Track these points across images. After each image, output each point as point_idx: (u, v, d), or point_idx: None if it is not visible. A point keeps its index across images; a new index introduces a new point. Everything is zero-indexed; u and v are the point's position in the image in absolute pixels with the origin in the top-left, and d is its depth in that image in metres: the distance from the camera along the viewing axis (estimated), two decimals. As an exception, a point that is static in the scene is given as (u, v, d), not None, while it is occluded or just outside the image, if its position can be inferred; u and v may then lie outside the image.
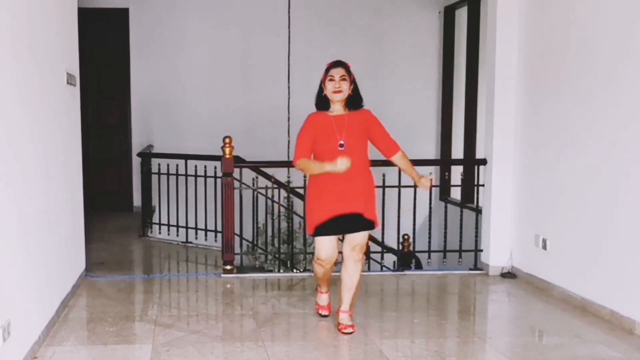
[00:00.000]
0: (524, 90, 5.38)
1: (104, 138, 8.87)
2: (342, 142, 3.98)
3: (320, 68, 4.18)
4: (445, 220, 6.02)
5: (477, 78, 7.78)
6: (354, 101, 4.07)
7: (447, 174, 6.77)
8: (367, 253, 5.82)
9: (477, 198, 5.96)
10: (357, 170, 3.98)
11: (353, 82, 4.06)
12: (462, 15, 8.42)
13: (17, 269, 3.44)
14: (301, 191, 5.94)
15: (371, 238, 6.54)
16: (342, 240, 4.18)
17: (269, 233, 6.79)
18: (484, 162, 5.72)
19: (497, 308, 5.07)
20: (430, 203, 6.05)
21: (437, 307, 5.03)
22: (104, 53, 8.65)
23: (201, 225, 7.17)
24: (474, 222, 5.98)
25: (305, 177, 5.82)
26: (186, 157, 7.01)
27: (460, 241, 5.98)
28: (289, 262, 6.57)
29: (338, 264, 4.26)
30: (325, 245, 4.09)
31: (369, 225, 4.10)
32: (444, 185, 7.40)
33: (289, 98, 7.85)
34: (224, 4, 8.63)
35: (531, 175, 5.33)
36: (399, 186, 5.77)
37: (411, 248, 6.65)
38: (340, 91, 4.00)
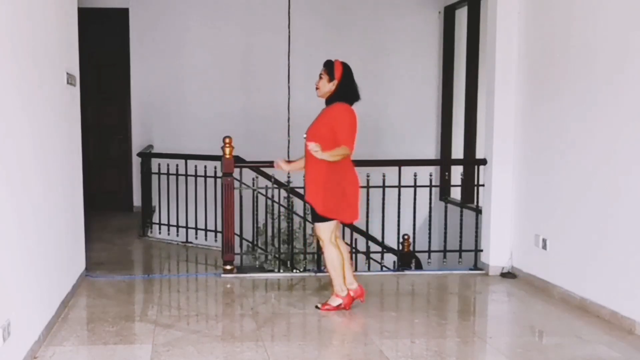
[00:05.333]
0: (524, 90, 5.38)
1: (103, 138, 8.87)
2: (305, 133, 4.39)
3: (320, 68, 4.19)
4: (445, 220, 6.02)
5: (477, 78, 7.77)
6: (329, 98, 4.35)
7: (447, 174, 6.76)
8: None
9: (477, 198, 5.95)
10: (308, 161, 4.40)
11: (340, 79, 4.28)
12: (462, 15, 8.42)
13: (17, 269, 3.44)
14: (301, 191, 5.93)
15: (371, 238, 6.57)
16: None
17: (269, 233, 6.79)
18: (484, 162, 5.72)
19: (497, 308, 5.07)
20: (430, 203, 6.05)
21: (437, 307, 5.03)
22: (103, 53, 8.64)
23: (201, 225, 7.16)
24: (474, 222, 5.98)
25: (303, 176, 5.82)
26: (186, 157, 7.00)
27: (460, 241, 5.98)
28: (289, 262, 6.57)
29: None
30: None
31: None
32: (444, 185, 7.41)
33: (289, 98, 7.86)
34: (224, 4, 8.62)
35: (531, 175, 5.33)
36: (399, 186, 5.77)
37: (411, 248, 6.65)
38: (317, 88, 4.38)
